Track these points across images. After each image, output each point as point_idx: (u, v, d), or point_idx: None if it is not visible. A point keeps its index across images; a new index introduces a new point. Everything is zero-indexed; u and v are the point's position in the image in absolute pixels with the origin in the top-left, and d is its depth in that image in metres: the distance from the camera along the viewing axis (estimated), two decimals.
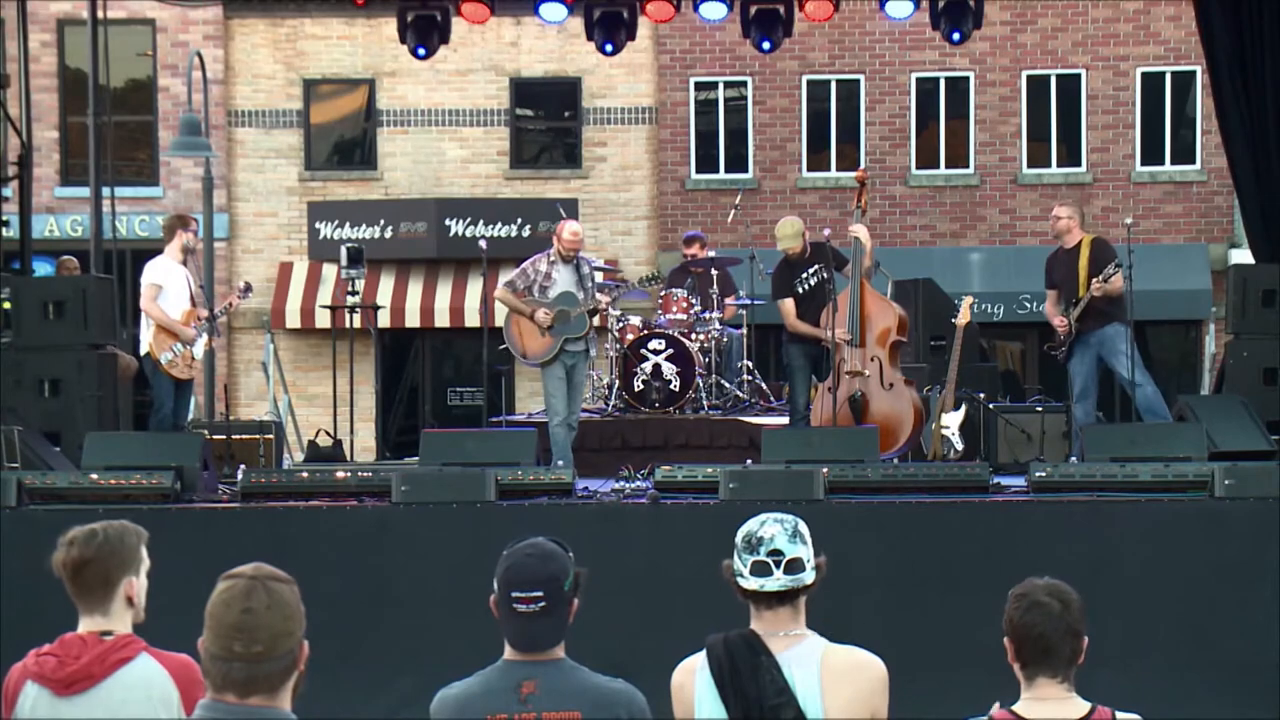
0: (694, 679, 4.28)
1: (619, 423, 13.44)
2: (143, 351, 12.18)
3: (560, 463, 11.50)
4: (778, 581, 4.21)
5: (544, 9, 13.43)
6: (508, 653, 4.08)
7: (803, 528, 4.29)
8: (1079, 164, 24.59)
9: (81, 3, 19.70)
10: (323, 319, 22.87)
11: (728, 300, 14.33)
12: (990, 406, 12.74)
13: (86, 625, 4.20)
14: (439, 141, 24.83)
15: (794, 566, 4.22)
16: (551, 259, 12.12)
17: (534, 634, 4.02)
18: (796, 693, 4.18)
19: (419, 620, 9.70)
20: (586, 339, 12.14)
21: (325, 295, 22.67)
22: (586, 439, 13.04)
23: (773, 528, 4.25)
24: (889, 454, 11.34)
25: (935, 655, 9.07)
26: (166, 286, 12.16)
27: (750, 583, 4.23)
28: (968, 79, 24.55)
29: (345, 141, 25.51)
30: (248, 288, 13.11)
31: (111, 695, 4.11)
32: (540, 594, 3.98)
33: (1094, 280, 11.69)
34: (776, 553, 4.22)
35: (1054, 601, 3.95)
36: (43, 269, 17.71)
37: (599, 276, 13.42)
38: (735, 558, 4.27)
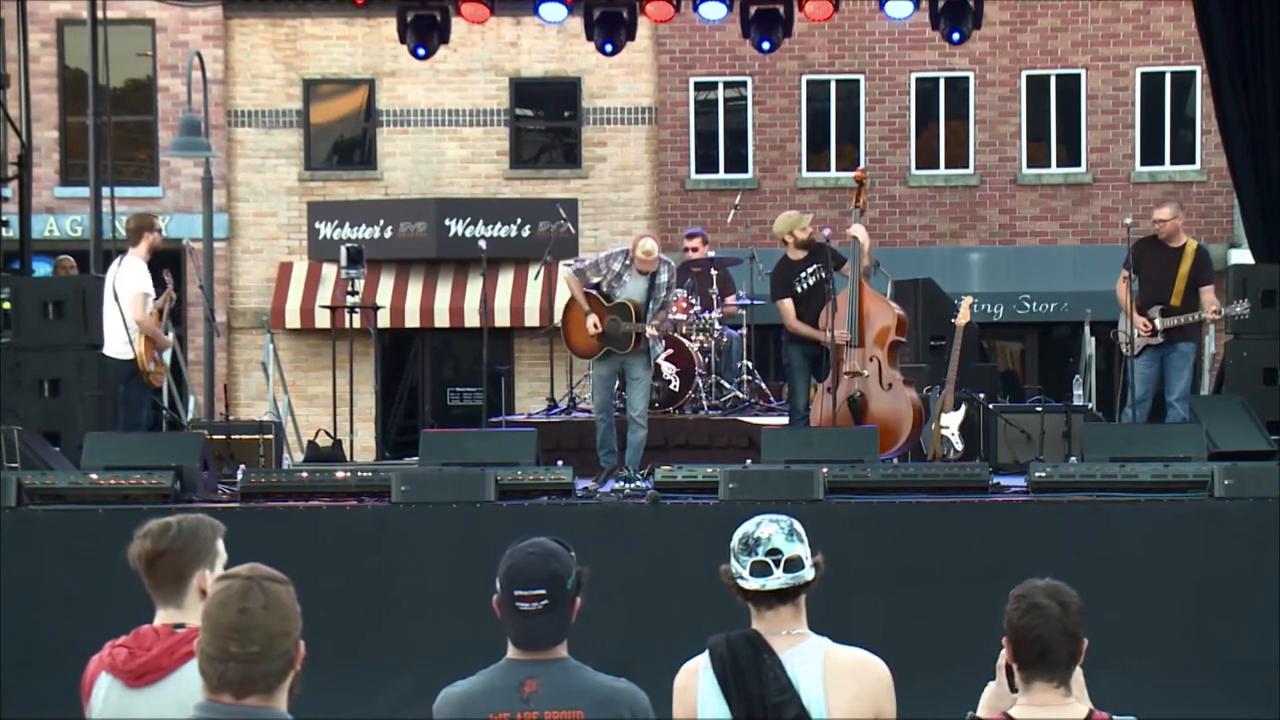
0: (697, 680, 4.27)
1: (619, 423, 13.42)
2: (126, 357, 11.92)
3: (602, 452, 11.66)
4: (778, 580, 4.21)
5: (544, 9, 13.43)
6: (510, 652, 4.08)
7: (798, 527, 4.29)
8: (1079, 164, 24.60)
9: (81, 3, 19.70)
10: (322, 319, 22.85)
11: (727, 300, 14.32)
12: (990, 406, 12.73)
13: (161, 618, 4.21)
14: (439, 141, 24.83)
15: (793, 564, 4.22)
16: (627, 263, 11.84)
17: (536, 632, 4.02)
18: (800, 691, 4.18)
19: (419, 620, 9.70)
20: (634, 352, 11.86)
21: (325, 295, 22.65)
22: (586, 439, 13.03)
23: (769, 528, 4.25)
24: (888, 454, 11.34)
25: (935, 655, 9.06)
26: (151, 293, 12.04)
27: (751, 583, 4.23)
28: (967, 79, 24.55)
29: (345, 141, 25.52)
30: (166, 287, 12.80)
31: (180, 688, 4.10)
32: (543, 592, 3.99)
33: (1215, 310, 11.83)
34: (775, 551, 4.22)
35: (1053, 604, 3.93)
36: (42, 269, 17.71)
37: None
38: (733, 561, 4.26)
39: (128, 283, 11.94)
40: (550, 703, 3.99)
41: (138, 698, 4.14)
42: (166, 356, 12.26)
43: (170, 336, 12.31)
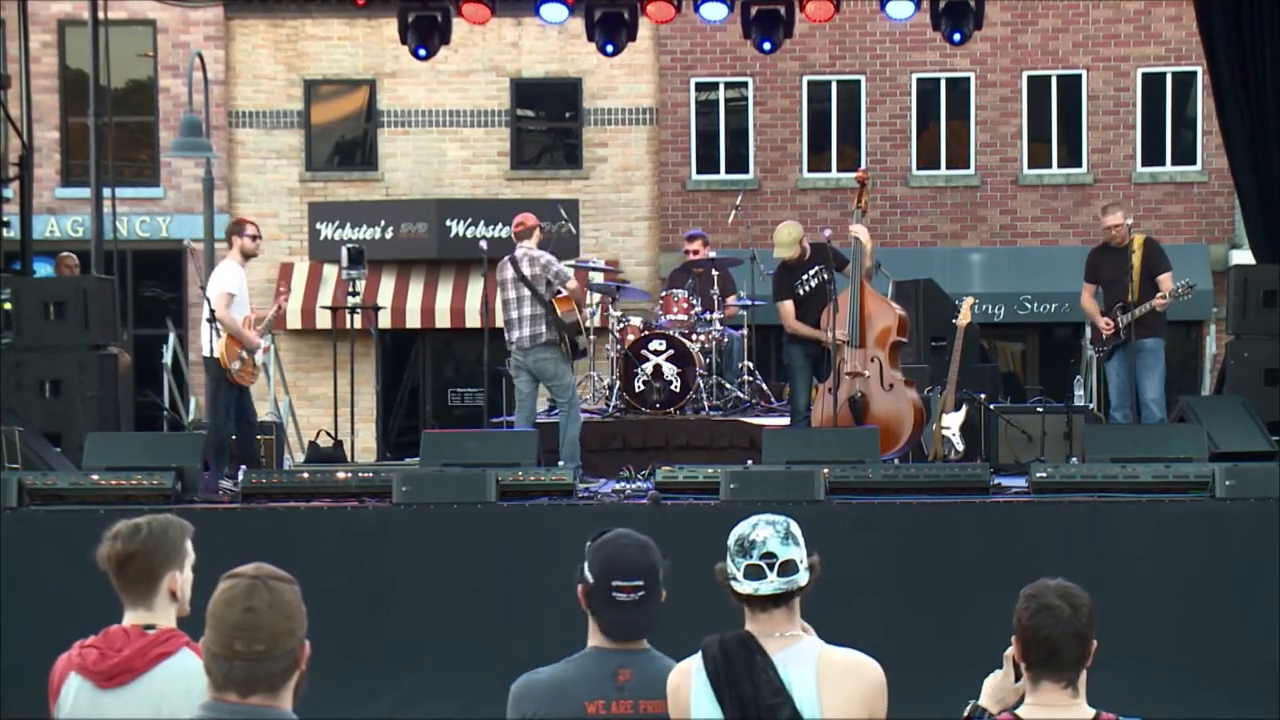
0: (690, 681, 4.26)
1: (619, 423, 13.43)
2: (212, 355, 11.99)
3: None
4: (772, 584, 4.20)
5: (545, 9, 13.43)
6: (596, 639, 4.12)
7: (794, 529, 4.27)
8: (1080, 165, 24.59)
9: (82, 3, 19.71)
10: (323, 320, 22.86)
11: (728, 301, 14.32)
12: (991, 407, 12.74)
13: (131, 619, 4.22)
14: (440, 142, 24.83)
15: (788, 569, 4.20)
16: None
17: (633, 623, 4.09)
18: (793, 692, 4.16)
19: (420, 621, 9.71)
20: None
21: (326, 296, 22.66)
22: (587, 439, 13.03)
23: (764, 530, 4.23)
24: (889, 455, 11.34)
25: (935, 655, 9.07)
26: (237, 294, 12.15)
27: (745, 586, 4.22)
28: (968, 79, 24.55)
29: (346, 142, 25.52)
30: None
31: (151, 689, 4.12)
32: (641, 583, 4.07)
33: (1161, 295, 11.89)
34: (769, 555, 4.20)
35: (1064, 605, 3.92)
36: (43, 269, 17.72)
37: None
38: (728, 562, 4.25)
39: (215, 283, 12.09)
40: (643, 691, 4.03)
41: (109, 698, 4.15)
42: (259, 358, 12.27)
43: (266, 341, 12.36)
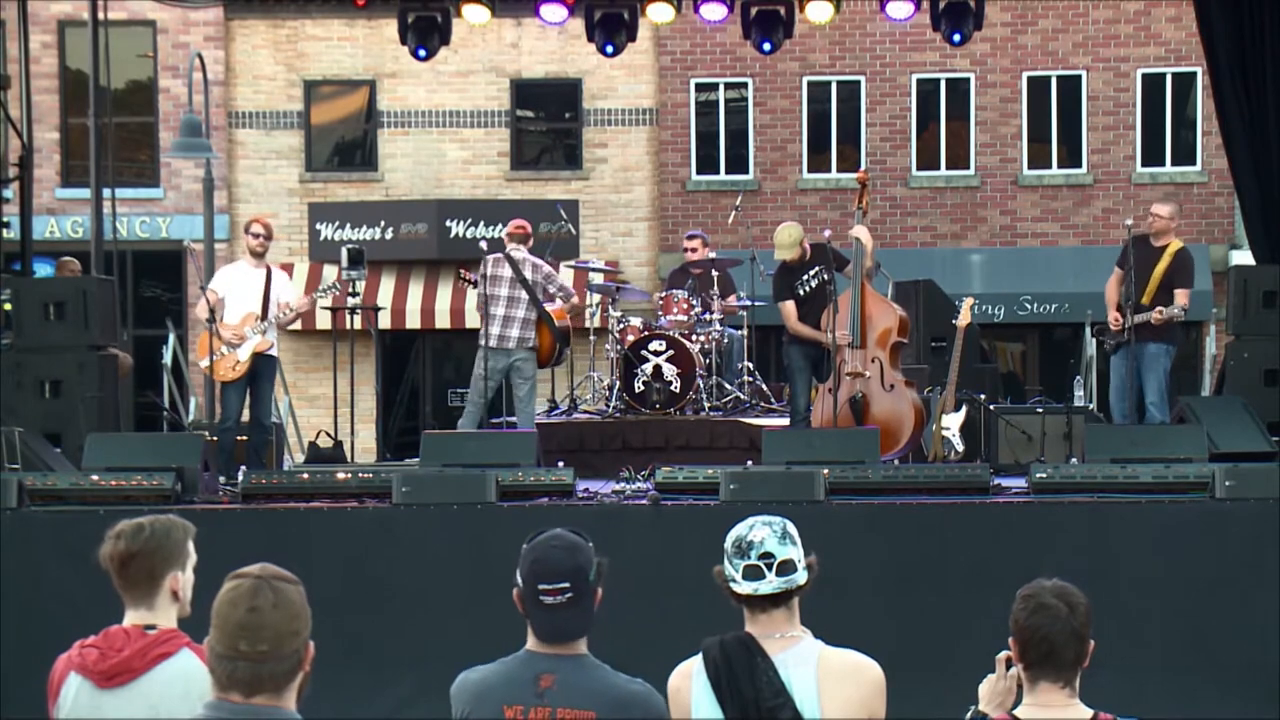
0: (690, 683, 4.27)
1: (619, 424, 13.43)
2: None
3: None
4: (771, 584, 4.20)
5: (544, 10, 13.44)
6: (531, 642, 4.10)
7: (791, 529, 4.28)
8: (1080, 165, 24.60)
9: (82, 4, 19.71)
10: (323, 320, 22.86)
11: (728, 301, 14.32)
12: (991, 408, 12.73)
13: (131, 619, 4.22)
14: (440, 143, 24.83)
15: (786, 568, 4.21)
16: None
17: (561, 625, 4.05)
18: (793, 694, 4.17)
19: (419, 621, 9.70)
20: None
21: (326, 297, 22.62)
22: (587, 440, 13.02)
23: (761, 530, 4.24)
24: (890, 455, 11.33)
25: (936, 656, 9.07)
26: (227, 293, 12.19)
27: (744, 587, 4.22)
28: (968, 80, 24.56)
29: (346, 143, 25.52)
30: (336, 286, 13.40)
31: (151, 689, 4.13)
32: (566, 585, 4.01)
33: (1159, 309, 11.92)
34: (767, 555, 4.21)
35: (1060, 604, 3.92)
36: (43, 270, 17.72)
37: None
38: (726, 563, 4.26)
39: None
40: (564, 700, 3.99)
41: (108, 698, 4.15)
42: (242, 354, 12.23)
43: (254, 340, 12.31)
